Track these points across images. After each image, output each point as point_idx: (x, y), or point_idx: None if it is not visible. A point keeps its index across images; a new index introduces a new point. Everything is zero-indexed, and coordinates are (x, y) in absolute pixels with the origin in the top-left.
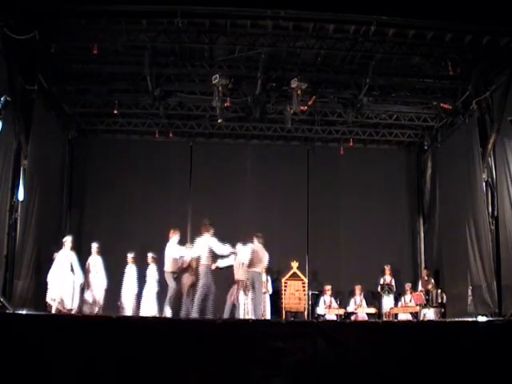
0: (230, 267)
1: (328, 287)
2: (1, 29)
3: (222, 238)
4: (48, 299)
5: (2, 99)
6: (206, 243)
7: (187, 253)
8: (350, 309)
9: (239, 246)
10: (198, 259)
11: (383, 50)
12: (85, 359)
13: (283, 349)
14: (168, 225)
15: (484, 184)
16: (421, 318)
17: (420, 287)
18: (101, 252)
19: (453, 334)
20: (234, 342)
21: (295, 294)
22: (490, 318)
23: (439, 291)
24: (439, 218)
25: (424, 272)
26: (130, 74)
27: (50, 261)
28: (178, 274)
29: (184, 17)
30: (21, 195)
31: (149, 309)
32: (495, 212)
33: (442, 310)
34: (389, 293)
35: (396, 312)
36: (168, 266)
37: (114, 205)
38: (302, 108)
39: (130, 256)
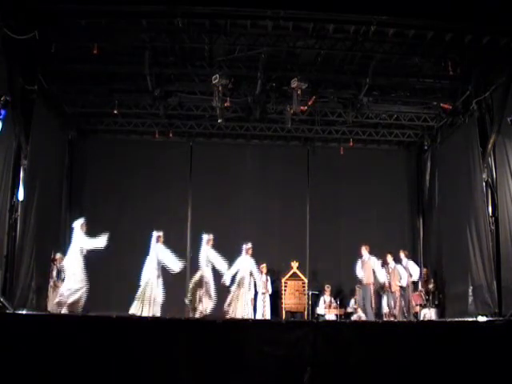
0: None
1: (328, 287)
2: (1, 29)
3: (222, 237)
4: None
5: (1, 99)
6: None
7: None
8: (350, 309)
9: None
10: None
11: (383, 50)
12: (85, 359)
13: (283, 349)
14: (168, 225)
15: (484, 184)
16: (421, 318)
17: (420, 287)
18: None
19: (453, 334)
20: (234, 341)
21: (295, 293)
22: (490, 318)
23: (436, 292)
24: (439, 217)
25: (424, 272)
26: (130, 74)
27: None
28: None
29: (184, 17)
30: (21, 195)
31: None
32: (495, 212)
33: (441, 309)
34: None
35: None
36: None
37: (113, 205)
38: (302, 108)
39: None
